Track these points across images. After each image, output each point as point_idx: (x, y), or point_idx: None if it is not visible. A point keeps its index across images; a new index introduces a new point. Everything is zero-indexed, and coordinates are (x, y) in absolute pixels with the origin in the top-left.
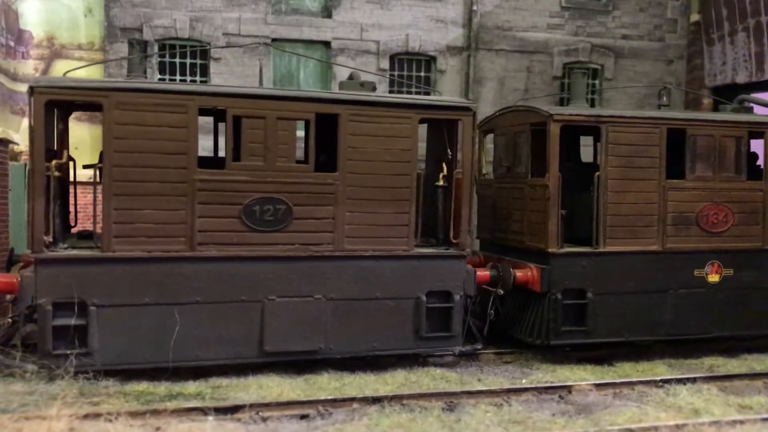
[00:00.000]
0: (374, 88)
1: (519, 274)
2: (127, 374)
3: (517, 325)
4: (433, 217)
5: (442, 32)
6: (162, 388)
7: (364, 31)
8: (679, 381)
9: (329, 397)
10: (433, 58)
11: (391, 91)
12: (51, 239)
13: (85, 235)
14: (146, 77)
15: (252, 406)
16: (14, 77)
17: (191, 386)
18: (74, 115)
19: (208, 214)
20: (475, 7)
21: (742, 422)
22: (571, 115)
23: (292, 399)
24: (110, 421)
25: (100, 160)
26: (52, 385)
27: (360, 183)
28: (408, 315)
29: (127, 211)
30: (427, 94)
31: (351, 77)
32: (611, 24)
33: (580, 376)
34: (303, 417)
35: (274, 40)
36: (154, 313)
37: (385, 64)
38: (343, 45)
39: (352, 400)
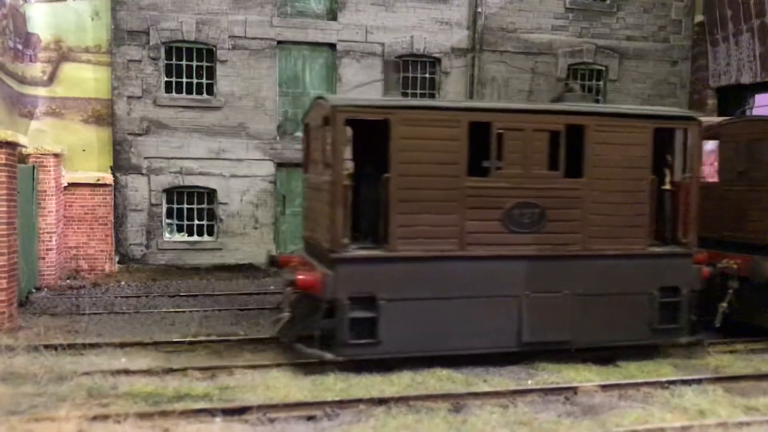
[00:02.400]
0: (597, 99)
1: None
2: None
3: (763, 315)
4: (659, 218)
5: (447, 34)
6: (170, 389)
7: (369, 33)
8: (685, 382)
9: (336, 399)
10: (438, 60)
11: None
12: (347, 241)
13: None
14: (398, 93)
15: (259, 407)
16: (22, 80)
17: (199, 387)
18: (82, 117)
19: (476, 217)
20: (479, 9)
21: (748, 424)
22: None
23: (299, 400)
24: (119, 422)
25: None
26: (61, 386)
27: (603, 188)
28: (643, 309)
29: (409, 215)
30: (432, 96)
31: (571, 89)
32: (615, 25)
33: (586, 377)
34: (310, 418)
35: (279, 42)
36: (432, 306)
37: (390, 65)
38: (349, 47)
39: (359, 401)
